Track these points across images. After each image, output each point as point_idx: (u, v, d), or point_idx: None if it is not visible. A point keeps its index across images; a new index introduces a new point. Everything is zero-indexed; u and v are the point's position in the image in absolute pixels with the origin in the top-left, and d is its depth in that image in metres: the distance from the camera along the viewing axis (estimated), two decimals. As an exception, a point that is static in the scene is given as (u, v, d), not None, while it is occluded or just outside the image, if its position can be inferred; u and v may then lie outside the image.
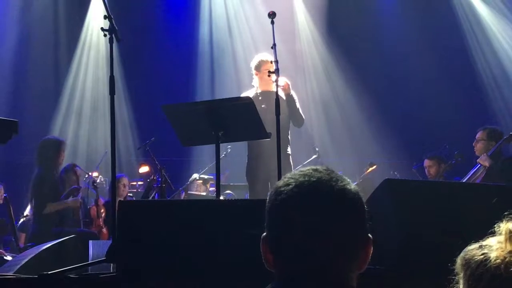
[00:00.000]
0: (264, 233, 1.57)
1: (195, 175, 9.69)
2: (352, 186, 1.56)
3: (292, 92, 6.82)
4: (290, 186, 1.52)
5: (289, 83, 6.75)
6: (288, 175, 1.57)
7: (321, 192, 1.51)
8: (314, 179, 1.52)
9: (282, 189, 1.53)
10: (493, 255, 1.71)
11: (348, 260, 1.51)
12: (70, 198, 7.30)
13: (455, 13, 11.95)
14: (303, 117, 6.97)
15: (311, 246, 1.48)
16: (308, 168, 1.58)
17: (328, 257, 1.48)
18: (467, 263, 1.76)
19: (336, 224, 1.49)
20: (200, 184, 9.71)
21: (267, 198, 1.59)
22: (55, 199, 7.19)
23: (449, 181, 7.81)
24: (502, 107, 11.45)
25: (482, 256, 1.72)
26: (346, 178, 1.57)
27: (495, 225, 1.78)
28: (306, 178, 1.53)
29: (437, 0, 12.18)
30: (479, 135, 7.50)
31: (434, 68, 11.66)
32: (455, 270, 1.81)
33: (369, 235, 1.55)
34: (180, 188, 9.12)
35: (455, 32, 11.94)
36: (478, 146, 7.43)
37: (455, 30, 11.93)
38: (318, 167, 1.58)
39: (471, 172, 7.37)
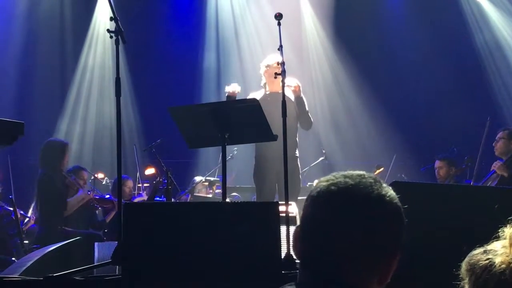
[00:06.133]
0: (298, 223, 1.56)
1: (198, 178, 9.68)
2: (394, 199, 1.52)
3: (302, 95, 6.81)
4: (327, 183, 1.52)
5: (300, 85, 6.75)
6: (335, 173, 1.56)
7: (353, 196, 1.48)
8: (352, 183, 1.50)
9: (321, 183, 1.54)
10: (497, 260, 1.69)
11: (368, 270, 1.48)
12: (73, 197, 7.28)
13: (464, 15, 11.91)
14: (312, 120, 6.96)
15: (328, 248, 1.47)
16: (356, 171, 1.55)
17: (344, 263, 1.46)
18: (472, 268, 1.74)
19: (361, 231, 1.46)
20: (201, 188, 9.70)
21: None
22: (60, 203, 7.17)
23: (456, 183, 7.80)
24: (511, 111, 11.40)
25: (487, 261, 1.71)
26: (392, 191, 1.53)
27: (500, 229, 1.76)
28: (346, 179, 1.51)
29: (445, 2, 12.13)
30: (500, 134, 7.69)
31: (442, 71, 11.62)
32: (460, 275, 1.79)
33: (398, 250, 1.51)
34: (186, 191, 9.12)
35: (463, 34, 11.89)
36: (498, 145, 7.62)
37: (463, 32, 11.89)
38: (367, 173, 1.54)
39: (486, 178, 7.45)
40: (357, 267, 1.47)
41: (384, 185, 1.53)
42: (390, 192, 1.53)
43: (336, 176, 1.53)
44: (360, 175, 1.53)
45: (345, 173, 1.54)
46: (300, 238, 1.54)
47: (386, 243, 1.50)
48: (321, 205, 1.51)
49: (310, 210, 1.52)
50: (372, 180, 1.52)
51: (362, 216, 1.47)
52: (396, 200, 1.53)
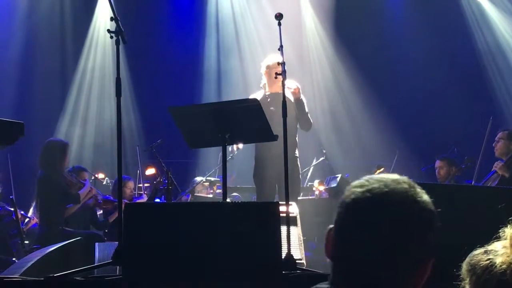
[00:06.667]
0: (331, 225, 1.57)
1: (199, 178, 9.68)
2: (429, 204, 1.53)
3: (302, 96, 6.82)
4: (362, 189, 1.51)
5: (299, 87, 6.75)
6: (367, 177, 1.56)
7: (388, 203, 1.49)
8: (387, 189, 1.50)
9: (355, 189, 1.53)
10: (498, 260, 1.69)
11: (404, 275, 1.48)
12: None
13: (465, 15, 11.91)
14: (311, 121, 6.96)
15: (364, 255, 1.47)
16: (391, 176, 1.55)
17: (381, 270, 1.46)
18: (473, 268, 1.74)
19: (397, 237, 1.46)
20: (202, 188, 9.70)
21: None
22: (62, 202, 7.17)
23: (457, 183, 7.81)
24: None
25: (487, 262, 1.71)
26: (426, 195, 1.53)
27: (501, 230, 1.76)
28: (381, 185, 1.51)
29: (446, 3, 12.13)
30: (499, 135, 7.71)
31: (443, 71, 11.62)
32: (461, 276, 1.79)
33: (432, 254, 1.52)
34: (186, 191, 9.11)
35: (464, 35, 11.89)
36: (498, 146, 7.64)
37: (464, 32, 11.89)
38: (400, 178, 1.54)
39: (486, 178, 7.45)
40: (394, 272, 1.47)
41: (418, 189, 1.53)
42: (425, 197, 1.53)
43: (370, 181, 1.53)
44: (394, 180, 1.53)
45: (379, 177, 1.54)
46: (334, 244, 1.54)
47: (422, 248, 1.50)
48: (357, 212, 1.51)
49: (345, 217, 1.52)
50: (406, 186, 1.52)
51: (398, 223, 1.47)
52: (431, 204, 1.53)
